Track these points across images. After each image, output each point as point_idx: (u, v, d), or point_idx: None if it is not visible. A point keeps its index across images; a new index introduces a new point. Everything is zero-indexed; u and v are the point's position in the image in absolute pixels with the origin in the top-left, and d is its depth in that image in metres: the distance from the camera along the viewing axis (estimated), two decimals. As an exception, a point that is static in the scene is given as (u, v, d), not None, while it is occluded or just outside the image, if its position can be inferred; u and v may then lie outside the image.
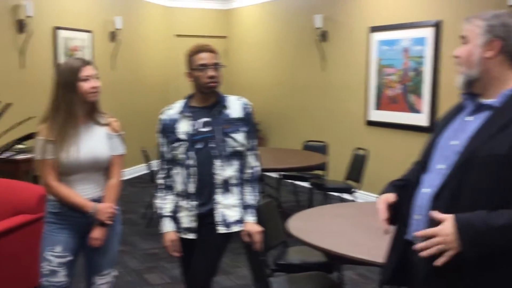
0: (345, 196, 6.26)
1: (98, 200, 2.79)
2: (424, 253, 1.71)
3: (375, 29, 6.51)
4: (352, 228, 3.13)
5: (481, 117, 1.78)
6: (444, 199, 1.75)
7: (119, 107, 8.02)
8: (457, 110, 1.92)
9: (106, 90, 8.32)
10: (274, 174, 6.90)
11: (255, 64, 9.04)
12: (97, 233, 2.75)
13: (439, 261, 1.68)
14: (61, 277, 2.77)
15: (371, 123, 6.70)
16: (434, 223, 1.71)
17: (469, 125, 1.80)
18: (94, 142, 2.77)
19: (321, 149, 6.33)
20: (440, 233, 1.67)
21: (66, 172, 2.73)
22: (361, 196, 6.34)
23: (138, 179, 8.36)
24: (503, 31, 1.76)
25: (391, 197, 1.97)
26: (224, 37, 9.62)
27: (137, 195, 7.35)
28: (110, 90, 7.82)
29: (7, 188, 3.98)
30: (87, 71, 2.72)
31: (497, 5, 5.09)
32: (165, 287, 4.24)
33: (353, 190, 5.73)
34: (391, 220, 1.97)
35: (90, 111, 2.79)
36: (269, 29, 8.65)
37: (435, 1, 5.84)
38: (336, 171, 6.46)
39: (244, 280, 4.36)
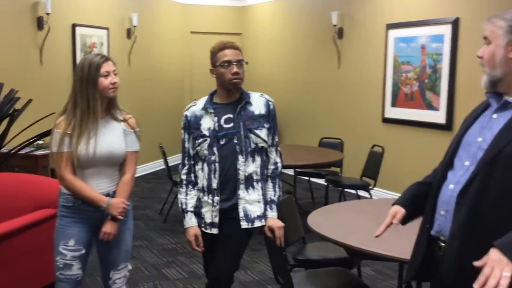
0: (361, 193, 6.27)
1: (111, 195, 2.82)
2: None
3: (392, 26, 6.50)
4: (372, 224, 3.12)
5: (506, 114, 1.80)
6: (470, 195, 1.76)
7: (136, 103, 8.08)
8: (483, 108, 1.93)
9: (122, 87, 8.37)
10: (290, 171, 6.91)
11: (270, 61, 9.05)
12: (108, 227, 2.77)
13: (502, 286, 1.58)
14: (75, 270, 2.80)
15: (388, 120, 6.69)
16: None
17: (494, 122, 1.82)
18: (111, 138, 2.79)
19: (337, 146, 6.34)
20: (494, 263, 1.58)
21: (82, 166, 2.75)
22: (377, 193, 6.35)
23: (154, 174, 8.42)
24: None
25: (400, 213, 2.04)
26: (239, 34, 9.65)
27: (152, 191, 7.40)
28: (127, 86, 7.87)
29: (28, 183, 4.03)
30: (107, 67, 2.75)
31: (517, 2, 5.08)
32: (183, 282, 4.27)
33: (370, 187, 5.73)
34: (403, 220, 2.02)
35: (108, 107, 2.83)
36: (284, 26, 8.65)
37: (453, -2, 5.83)
38: (352, 168, 6.47)
39: (262, 275, 4.39)
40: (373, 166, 5.74)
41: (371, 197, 5.73)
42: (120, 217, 2.78)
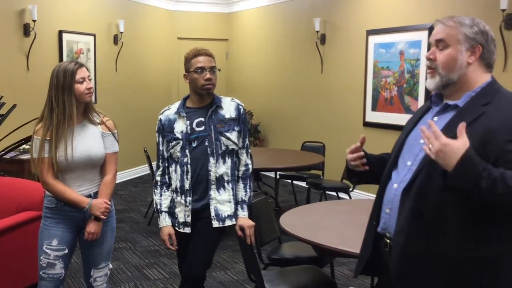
0: (342, 195, 6.39)
1: (93, 196, 2.92)
2: (424, 147, 1.74)
3: (372, 32, 6.65)
4: (343, 223, 3.26)
5: (446, 117, 1.90)
6: (412, 194, 1.86)
7: (122, 108, 8.19)
8: (425, 110, 2.04)
9: (109, 92, 8.53)
10: (272, 174, 7.03)
11: (255, 66, 9.19)
12: (92, 227, 2.87)
13: (430, 152, 1.72)
14: (58, 269, 2.90)
15: (368, 124, 6.83)
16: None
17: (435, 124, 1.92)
18: (89, 141, 2.88)
19: (319, 149, 6.47)
20: (448, 144, 1.69)
21: (62, 170, 2.85)
22: (357, 195, 6.48)
23: (141, 179, 8.52)
24: (483, 39, 1.88)
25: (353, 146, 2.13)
26: (225, 39, 9.79)
27: (139, 195, 7.50)
28: (114, 92, 8.00)
29: (12, 186, 4.13)
30: (82, 73, 2.84)
31: (489, 9, 5.23)
32: (164, 282, 4.38)
33: (350, 189, 5.86)
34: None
35: (85, 111, 2.93)
36: (270, 32, 8.80)
37: (430, 5, 5.98)
38: (334, 171, 6.60)
39: (241, 275, 4.50)
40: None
41: (350, 199, 5.85)
42: (103, 217, 2.87)
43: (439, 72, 1.92)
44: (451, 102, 1.93)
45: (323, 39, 7.52)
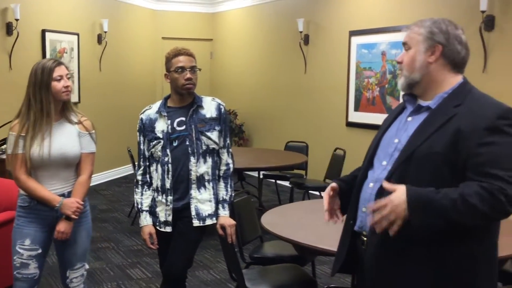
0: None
1: (66, 195, 2.89)
2: (378, 229, 1.82)
3: (355, 33, 6.71)
4: (322, 222, 3.26)
5: (420, 117, 1.95)
6: (387, 193, 1.88)
7: (107, 108, 8.18)
8: (400, 111, 2.08)
9: (93, 91, 8.48)
10: (256, 174, 7.06)
11: (240, 66, 9.22)
12: (62, 227, 2.84)
13: (392, 231, 1.80)
14: (32, 269, 2.88)
15: (351, 124, 6.89)
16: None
17: (409, 125, 1.97)
18: (65, 140, 2.87)
19: (302, 149, 6.51)
20: (392, 202, 1.78)
21: (35, 167, 2.83)
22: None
23: (125, 178, 8.50)
24: (443, 37, 1.92)
25: (333, 186, 2.12)
26: (210, 40, 9.80)
27: (123, 194, 7.49)
28: (98, 91, 7.98)
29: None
30: (60, 71, 2.84)
31: (469, 11, 5.31)
32: (146, 282, 4.39)
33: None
34: (342, 209, 2.13)
35: (62, 109, 2.91)
36: (254, 32, 8.83)
37: (411, 7, 6.05)
38: (317, 171, 6.64)
39: (224, 274, 4.52)
40: (335, 168, 5.91)
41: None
42: (73, 216, 2.84)
43: (404, 73, 1.99)
44: (423, 103, 1.97)
45: (306, 39, 7.56)
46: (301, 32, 7.52)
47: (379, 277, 1.97)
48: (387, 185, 1.84)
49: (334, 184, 2.13)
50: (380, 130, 2.11)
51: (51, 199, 2.84)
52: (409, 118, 1.99)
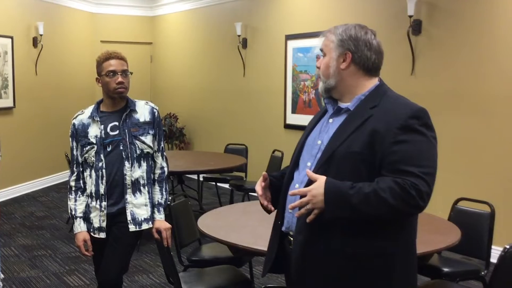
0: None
1: None
2: (296, 214, 1.93)
3: (290, 37, 6.86)
4: (258, 223, 3.36)
5: (340, 119, 2.04)
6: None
7: (44, 112, 8.01)
8: (323, 113, 2.17)
9: (29, 95, 8.28)
10: (195, 176, 7.08)
11: (180, 70, 9.21)
12: None
13: (309, 219, 1.90)
14: None
15: (289, 126, 7.03)
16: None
17: (330, 126, 2.06)
18: None
19: (242, 151, 6.58)
20: (310, 192, 1.88)
21: None
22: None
23: (64, 184, 8.34)
24: (352, 44, 2.01)
25: (264, 175, 2.17)
26: (149, 43, 9.75)
27: (62, 201, 7.35)
28: (33, 95, 7.81)
29: None
30: None
31: (398, 15, 5.52)
32: (84, 288, 4.35)
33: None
34: (273, 203, 2.19)
35: None
36: (193, 35, 8.85)
37: (343, 12, 6.22)
38: (257, 173, 6.69)
39: (164, 278, 4.52)
40: (274, 169, 5.99)
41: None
42: None
43: (321, 78, 2.09)
44: (343, 105, 2.06)
45: (244, 43, 7.66)
46: (239, 35, 7.61)
47: (303, 277, 2.03)
48: (310, 173, 1.92)
49: (265, 173, 2.18)
50: (305, 132, 2.18)
51: None
52: (330, 120, 2.07)
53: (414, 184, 1.81)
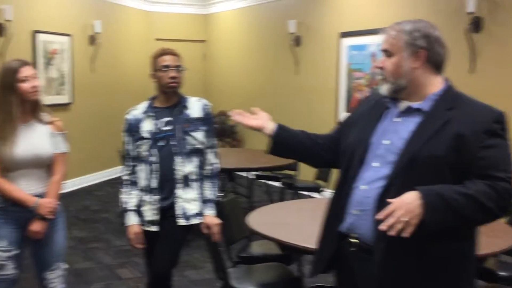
0: (315, 195, 6.47)
1: (41, 195, 2.90)
2: (392, 232, 1.79)
3: (345, 34, 6.76)
4: (309, 221, 3.31)
5: (411, 119, 1.94)
6: (389, 197, 1.85)
7: (100, 109, 8.20)
8: (379, 109, 2.05)
9: (85, 92, 8.47)
10: (246, 174, 7.09)
11: (232, 68, 9.25)
12: (36, 226, 2.85)
13: (407, 232, 1.78)
14: (10, 270, 2.88)
15: (341, 125, 6.91)
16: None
17: (398, 126, 1.96)
18: (36, 140, 2.87)
19: (293, 150, 6.52)
20: (401, 205, 1.78)
21: (7, 168, 2.83)
22: (329, 194, 6.53)
23: (117, 179, 8.49)
24: (425, 42, 1.93)
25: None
26: (203, 41, 9.83)
27: (114, 195, 7.47)
28: (90, 92, 8.00)
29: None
30: (25, 71, 2.83)
31: (456, 12, 5.36)
32: (135, 281, 4.41)
33: (321, 189, 5.94)
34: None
35: (32, 110, 2.90)
36: (246, 33, 8.87)
37: (399, 9, 6.09)
38: (307, 171, 6.64)
39: (212, 274, 4.53)
40: (325, 168, 5.93)
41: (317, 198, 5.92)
42: (49, 216, 2.86)
43: (388, 79, 1.99)
44: (414, 105, 1.97)
45: (297, 40, 7.61)
46: (292, 33, 7.56)
47: (388, 284, 1.95)
48: (385, 211, 1.82)
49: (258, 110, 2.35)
50: (358, 129, 2.07)
51: (26, 199, 2.85)
52: (398, 119, 1.99)
53: (505, 189, 1.81)
